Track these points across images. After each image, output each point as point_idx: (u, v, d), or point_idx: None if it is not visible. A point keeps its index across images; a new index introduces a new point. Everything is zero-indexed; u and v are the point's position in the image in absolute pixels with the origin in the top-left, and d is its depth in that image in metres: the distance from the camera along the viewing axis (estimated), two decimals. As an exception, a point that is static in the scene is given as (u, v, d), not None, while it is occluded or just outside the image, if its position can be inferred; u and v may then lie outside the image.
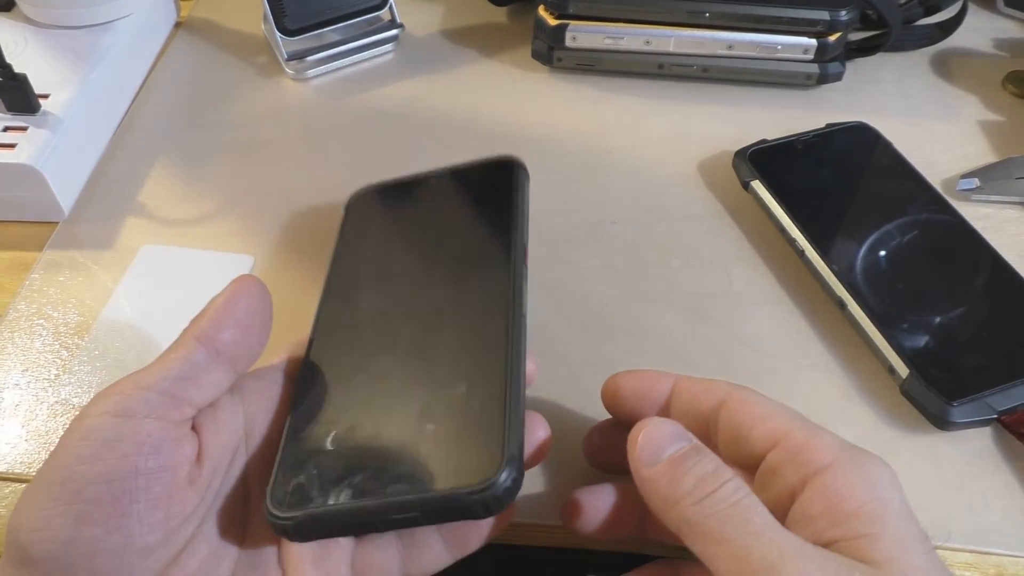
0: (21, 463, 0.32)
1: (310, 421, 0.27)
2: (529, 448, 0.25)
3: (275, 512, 0.24)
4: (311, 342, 0.30)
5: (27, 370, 0.35)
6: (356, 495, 0.24)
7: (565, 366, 0.35)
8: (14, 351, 0.35)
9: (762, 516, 0.22)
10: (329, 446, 0.26)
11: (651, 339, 0.36)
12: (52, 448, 0.31)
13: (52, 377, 0.35)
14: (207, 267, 0.39)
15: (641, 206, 0.42)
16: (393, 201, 0.36)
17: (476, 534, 0.26)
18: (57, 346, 0.36)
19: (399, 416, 0.26)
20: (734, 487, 0.23)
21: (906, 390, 0.32)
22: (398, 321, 0.30)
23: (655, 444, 0.24)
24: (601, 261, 0.39)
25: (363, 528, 0.25)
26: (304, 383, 0.29)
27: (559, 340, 0.36)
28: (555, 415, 0.29)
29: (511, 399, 0.25)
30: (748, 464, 0.25)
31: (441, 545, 0.26)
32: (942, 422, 0.31)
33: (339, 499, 0.24)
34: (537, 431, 0.26)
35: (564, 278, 0.38)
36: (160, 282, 0.38)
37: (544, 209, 0.37)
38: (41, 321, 0.37)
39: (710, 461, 0.24)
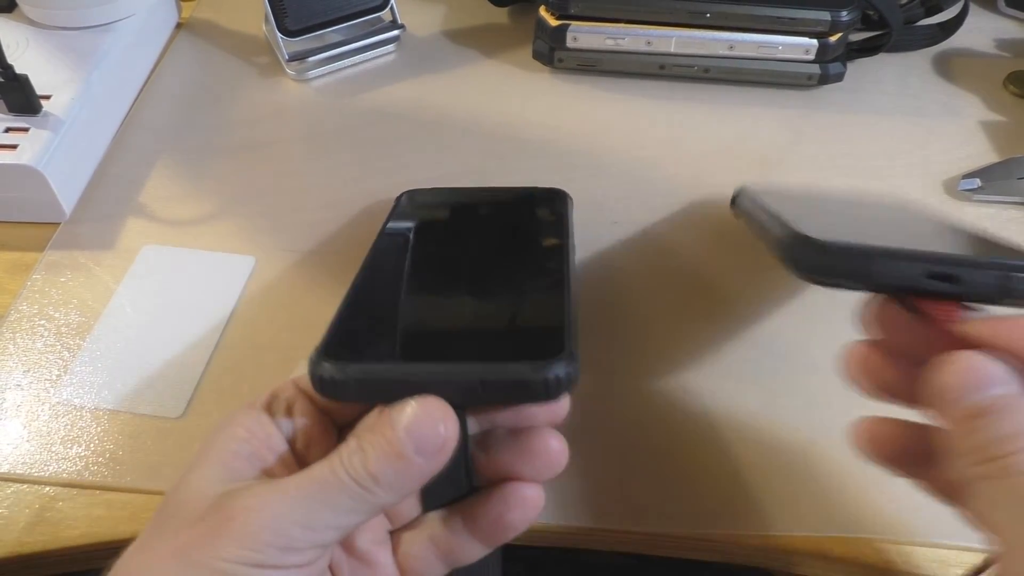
0: (23, 464, 0.32)
1: (373, 291, 0.27)
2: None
3: (324, 364, 0.23)
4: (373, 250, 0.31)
5: (29, 371, 0.35)
6: (415, 357, 0.24)
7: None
8: (16, 352, 0.36)
9: None
10: (391, 317, 0.26)
11: (651, 339, 0.36)
12: (53, 448, 0.32)
13: (54, 378, 0.35)
14: (208, 267, 0.39)
15: (641, 206, 0.42)
16: (448, 198, 0.38)
17: (504, 526, 0.25)
18: (59, 347, 0.36)
19: (465, 307, 0.27)
20: None
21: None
22: (465, 261, 0.32)
23: (969, 383, 0.20)
24: (601, 261, 0.39)
25: (415, 390, 0.23)
26: (369, 265, 0.29)
27: (560, 340, 0.36)
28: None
29: (570, 318, 0.26)
30: None
31: (472, 540, 0.25)
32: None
33: (398, 357, 0.24)
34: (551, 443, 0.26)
35: (565, 278, 0.38)
36: (161, 282, 0.38)
37: (545, 210, 0.37)
38: (43, 322, 0.37)
39: None
